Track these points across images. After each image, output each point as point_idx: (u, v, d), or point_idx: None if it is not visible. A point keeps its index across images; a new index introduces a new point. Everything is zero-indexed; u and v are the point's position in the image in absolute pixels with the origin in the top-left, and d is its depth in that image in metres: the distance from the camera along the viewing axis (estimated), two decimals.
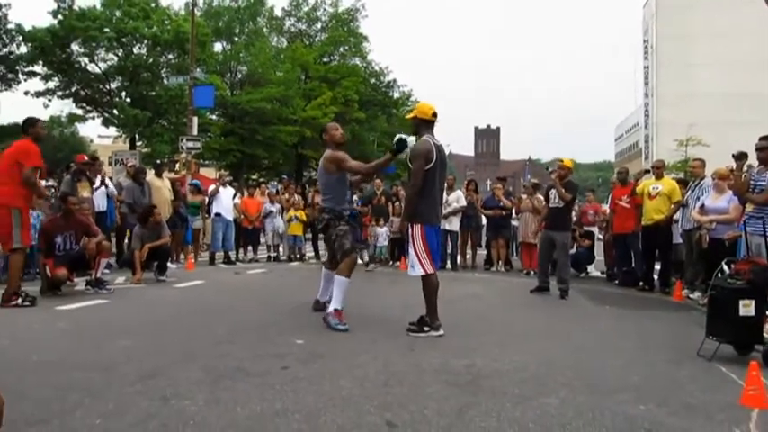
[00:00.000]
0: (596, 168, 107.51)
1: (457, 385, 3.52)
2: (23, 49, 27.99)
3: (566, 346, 4.89)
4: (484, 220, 12.92)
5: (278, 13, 38.16)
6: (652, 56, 53.52)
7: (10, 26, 27.89)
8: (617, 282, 9.98)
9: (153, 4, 28.94)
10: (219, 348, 4.31)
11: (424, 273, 5.10)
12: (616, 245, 10.16)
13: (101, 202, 9.92)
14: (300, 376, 3.60)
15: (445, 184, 6.12)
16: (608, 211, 11.06)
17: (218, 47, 33.03)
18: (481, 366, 3.99)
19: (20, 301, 6.06)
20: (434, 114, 5.37)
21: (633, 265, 9.77)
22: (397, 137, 5.30)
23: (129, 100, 28.63)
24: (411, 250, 5.21)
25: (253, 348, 4.32)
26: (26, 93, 28.91)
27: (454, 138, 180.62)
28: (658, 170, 9.38)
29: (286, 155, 34.40)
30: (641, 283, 9.22)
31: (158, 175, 11.19)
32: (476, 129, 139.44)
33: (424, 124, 5.30)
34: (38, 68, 28.35)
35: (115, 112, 29.08)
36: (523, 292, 8.40)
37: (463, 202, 11.97)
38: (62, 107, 30.79)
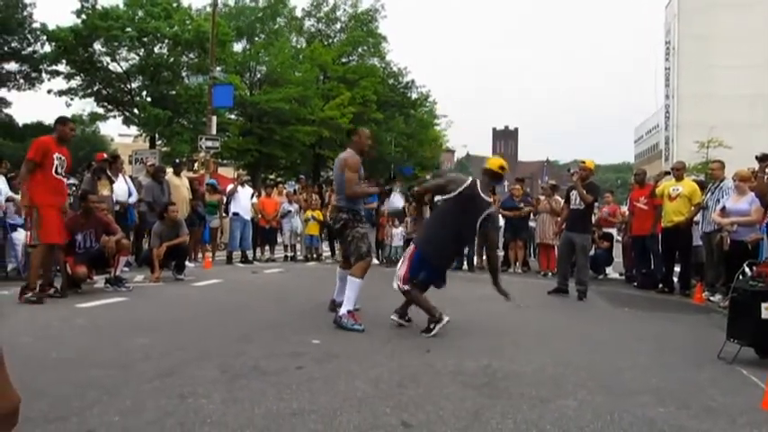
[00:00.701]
0: (615, 170, 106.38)
1: (473, 387, 3.49)
2: (47, 49, 28.47)
3: (584, 348, 4.84)
4: (501, 222, 12.83)
5: (298, 13, 38.30)
6: (673, 57, 52.88)
7: (35, 25, 28.40)
8: (636, 284, 9.87)
9: (175, 4, 29.23)
10: (236, 347, 4.32)
11: (397, 287, 5.25)
12: (634, 247, 10.06)
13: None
14: (316, 376, 3.60)
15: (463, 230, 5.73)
16: (627, 212, 10.95)
17: (237, 46, 33.23)
18: (497, 368, 3.95)
19: (29, 295, 6.11)
20: (502, 167, 5.48)
21: (652, 267, 9.66)
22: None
23: (149, 99, 28.95)
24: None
25: (269, 348, 4.33)
26: (49, 91, 29.37)
27: (472, 139, 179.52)
28: (678, 171, 9.26)
29: (304, 155, 34.50)
30: (660, 285, 9.12)
31: (177, 173, 11.27)
32: (494, 130, 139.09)
33: (488, 175, 5.43)
34: (61, 67, 28.82)
35: (136, 111, 29.42)
36: (541, 293, 8.34)
37: None
38: (84, 106, 31.18)
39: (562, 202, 9.95)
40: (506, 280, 5.57)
